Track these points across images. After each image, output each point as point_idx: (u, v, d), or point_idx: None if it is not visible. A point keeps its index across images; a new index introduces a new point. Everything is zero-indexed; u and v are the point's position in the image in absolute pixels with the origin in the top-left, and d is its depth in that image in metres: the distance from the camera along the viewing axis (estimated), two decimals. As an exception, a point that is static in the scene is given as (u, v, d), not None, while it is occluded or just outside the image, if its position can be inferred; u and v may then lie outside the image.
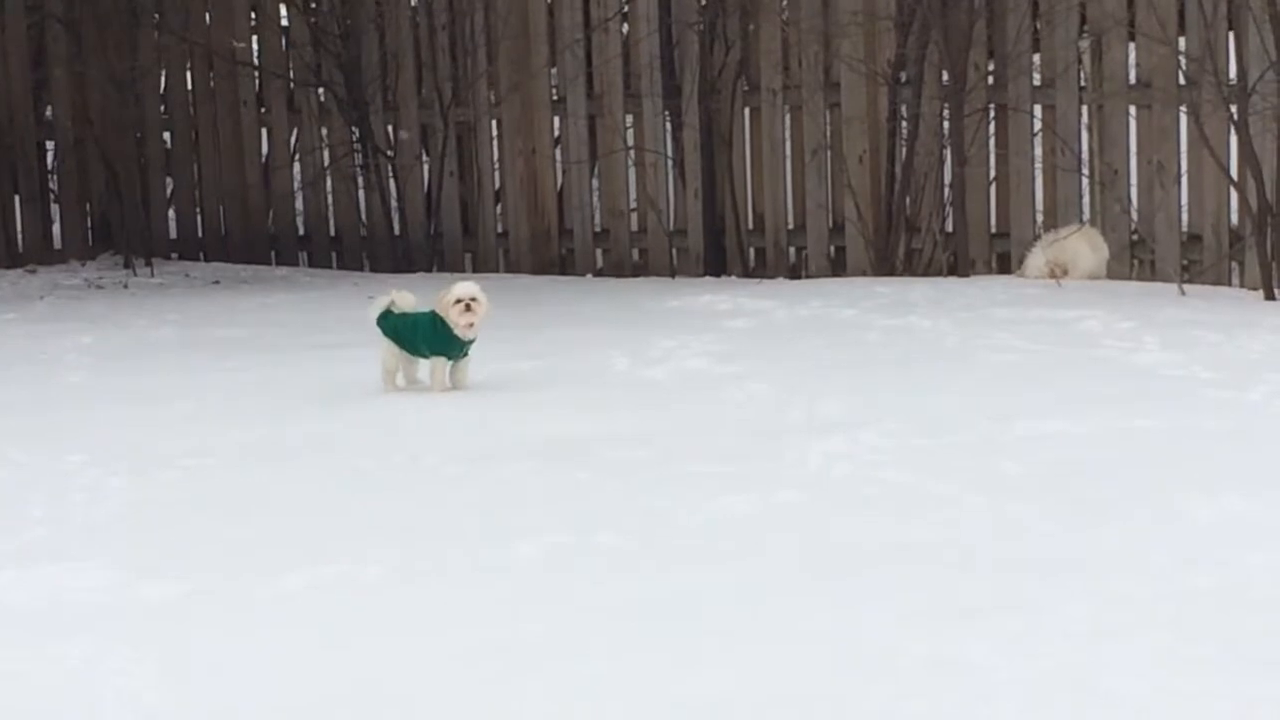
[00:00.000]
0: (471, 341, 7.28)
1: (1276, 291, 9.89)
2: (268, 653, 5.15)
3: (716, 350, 9.41)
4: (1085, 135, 11.01)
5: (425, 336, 7.23)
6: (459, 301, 6.86)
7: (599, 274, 12.32)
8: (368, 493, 7.05)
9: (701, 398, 8.53)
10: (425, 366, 7.56)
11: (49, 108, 13.57)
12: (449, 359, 7.30)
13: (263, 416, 8.15)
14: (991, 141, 11.38)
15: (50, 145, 13.61)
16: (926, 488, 6.73)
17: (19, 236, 13.33)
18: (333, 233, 13.14)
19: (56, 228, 13.60)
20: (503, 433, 8.04)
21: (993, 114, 11.25)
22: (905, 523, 6.28)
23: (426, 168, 12.89)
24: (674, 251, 12.16)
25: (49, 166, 13.75)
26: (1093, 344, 9.21)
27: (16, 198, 13.31)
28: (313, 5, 13.29)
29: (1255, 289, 10.06)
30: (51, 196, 13.71)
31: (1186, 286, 10.24)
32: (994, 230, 11.40)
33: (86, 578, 5.81)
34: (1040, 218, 11.09)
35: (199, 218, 13.56)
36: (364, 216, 13.06)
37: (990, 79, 11.34)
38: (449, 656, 5.14)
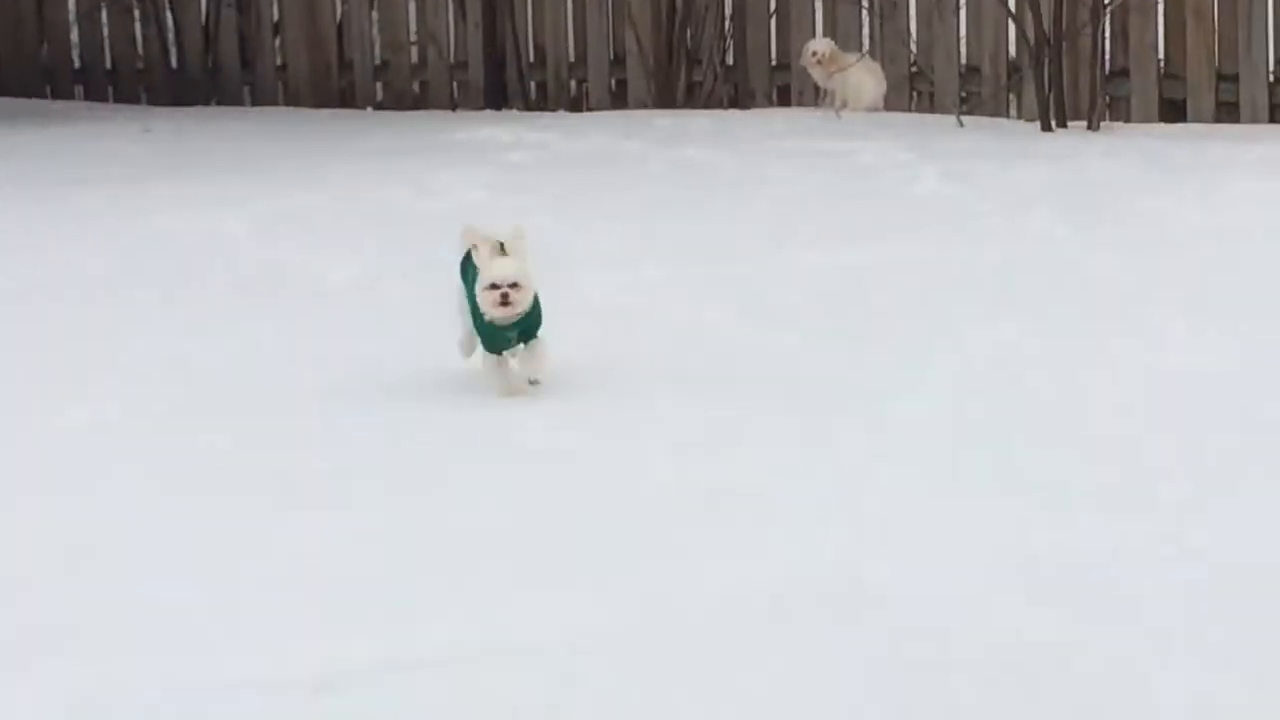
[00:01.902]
0: (528, 320, 5.23)
1: (1053, 123, 9.96)
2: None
3: (498, 183, 9.49)
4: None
5: (474, 313, 5.31)
6: (494, 288, 5.05)
7: (379, 107, 12.32)
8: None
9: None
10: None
11: None
12: (496, 351, 5.29)
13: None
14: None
15: None
16: (703, 317, 6.73)
17: None
18: (109, 65, 13.01)
19: None
20: (282, 265, 7.85)
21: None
22: (681, 352, 6.29)
23: (204, 8, 12.98)
24: (454, 85, 12.16)
25: None
26: (871, 176, 9.31)
27: None
28: None
29: (1032, 120, 10.15)
30: None
31: (965, 118, 10.38)
32: (774, 63, 11.38)
33: None
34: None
35: None
36: (140, 49, 12.91)
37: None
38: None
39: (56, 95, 13.06)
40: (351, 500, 5.05)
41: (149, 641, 4.01)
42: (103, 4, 12.99)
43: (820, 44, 10.78)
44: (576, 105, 11.93)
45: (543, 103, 12.01)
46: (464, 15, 12.06)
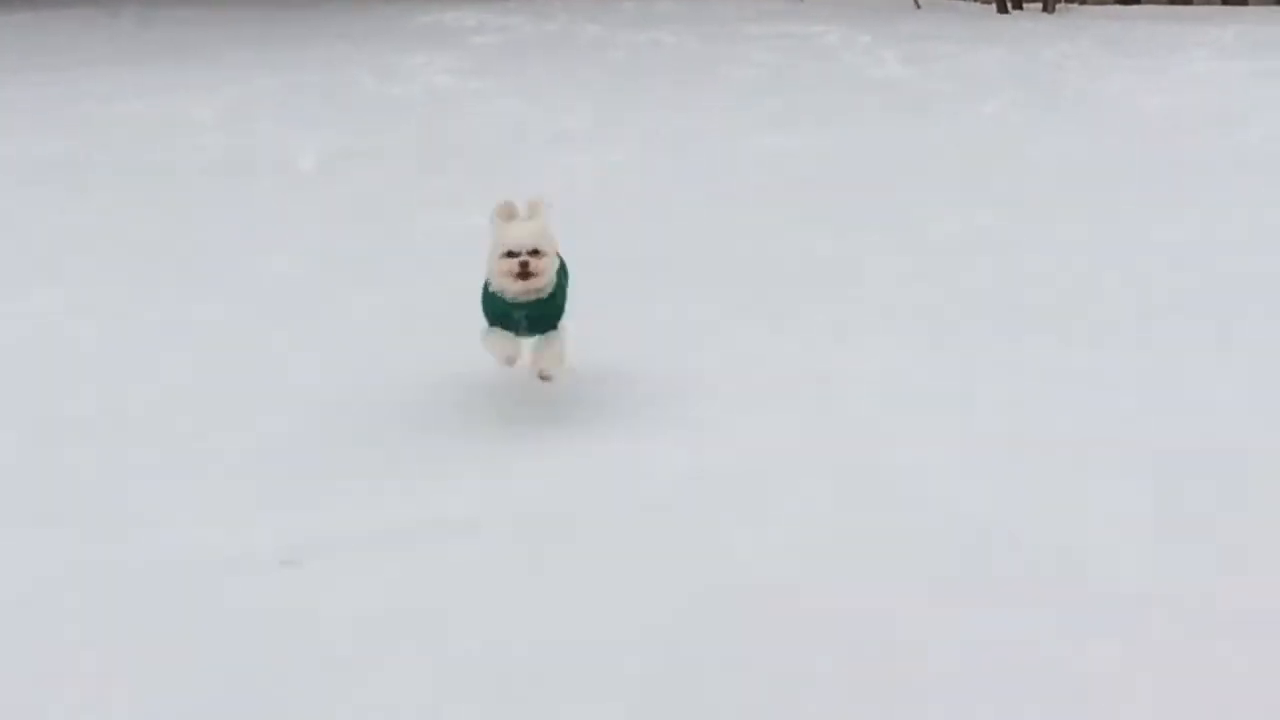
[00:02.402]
0: (545, 307, 4.35)
1: (1009, 5, 10.04)
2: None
3: (463, 67, 9.66)
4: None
5: (483, 290, 4.46)
6: (511, 255, 4.15)
7: None
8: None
9: (448, 112, 8.42)
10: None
11: None
12: (504, 328, 4.37)
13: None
14: None
15: None
16: (668, 198, 6.79)
17: None
18: None
19: None
20: (251, 149, 7.77)
21: None
22: (643, 235, 6.27)
23: None
24: None
25: None
26: (833, 58, 9.32)
27: None
28: None
29: (989, 3, 10.18)
30: None
31: (923, 1, 10.36)
32: None
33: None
34: None
35: None
36: None
37: None
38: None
39: None
40: (322, 393, 4.89)
41: (138, 517, 4.08)
42: None
43: None
44: None
45: None
46: None
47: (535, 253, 4.07)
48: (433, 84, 9.32)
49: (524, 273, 4.01)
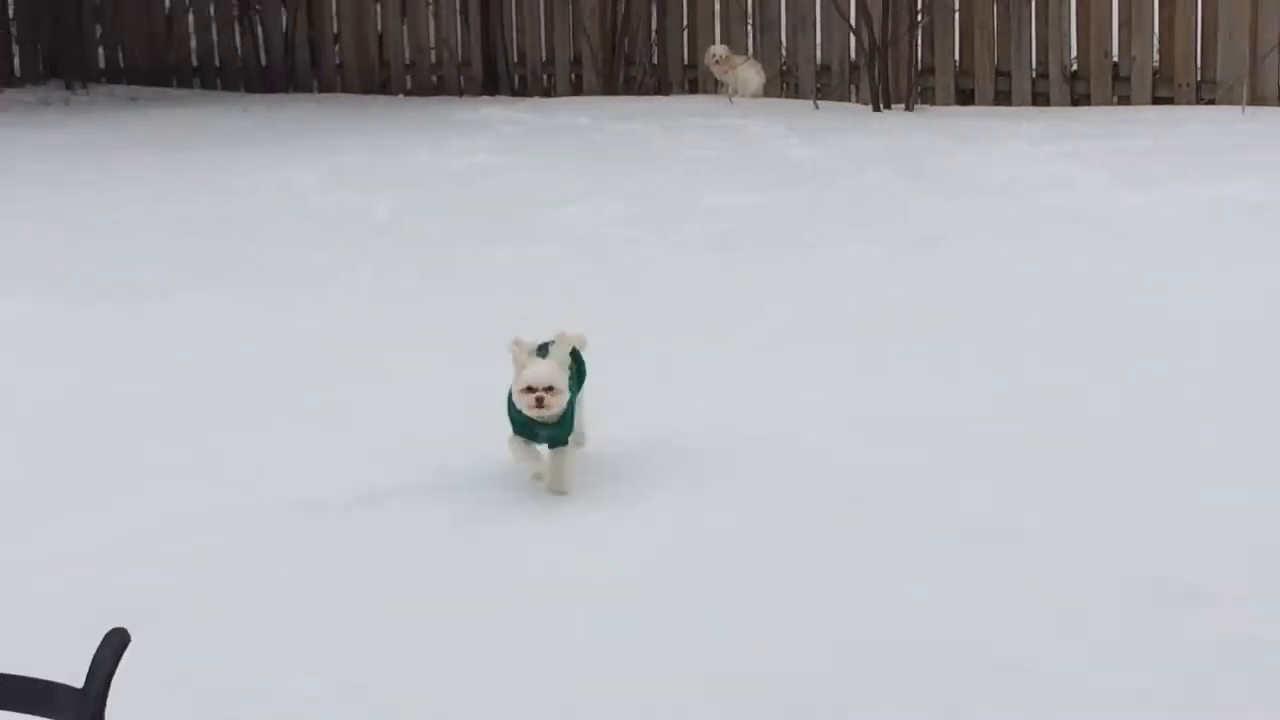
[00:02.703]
0: (559, 425, 4.45)
1: (882, 106, 10.69)
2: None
3: (495, 147, 10.10)
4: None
5: (508, 401, 4.51)
6: (529, 391, 4.30)
7: (408, 94, 12.79)
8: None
9: (485, 179, 9.21)
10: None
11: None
12: (527, 440, 4.49)
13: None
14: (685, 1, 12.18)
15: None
16: (638, 239, 7.73)
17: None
18: (217, 63, 13.73)
19: (16, 61, 14.25)
20: (339, 206, 8.68)
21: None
22: (621, 265, 7.25)
23: (284, 16, 13.33)
24: (461, 77, 12.70)
25: (9, 14, 14.17)
26: (756, 143, 9.99)
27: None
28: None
29: (867, 104, 10.85)
30: (11, 37, 14.21)
31: (820, 103, 11.01)
32: (686, 62, 11.98)
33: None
34: (718, 52, 11.37)
35: (120, 52, 14.14)
36: (239, 52, 13.62)
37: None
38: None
39: (180, 85, 13.80)
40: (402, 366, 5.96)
41: (230, 473, 5.03)
42: (212, 20, 13.74)
43: (718, 49, 11.35)
44: (547, 92, 12.49)
45: (523, 90, 12.54)
46: (468, 27, 12.66)
47: (550, 389, 4.23)
48: (474, 159, 9.74)
49: (539, 405, 4.25)
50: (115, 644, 1.81)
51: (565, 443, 4.41)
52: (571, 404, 4.37)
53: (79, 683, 1.82)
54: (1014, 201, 8.35)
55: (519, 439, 4.40)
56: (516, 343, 4.39)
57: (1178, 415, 5.33)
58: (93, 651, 1.80)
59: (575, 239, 7.83)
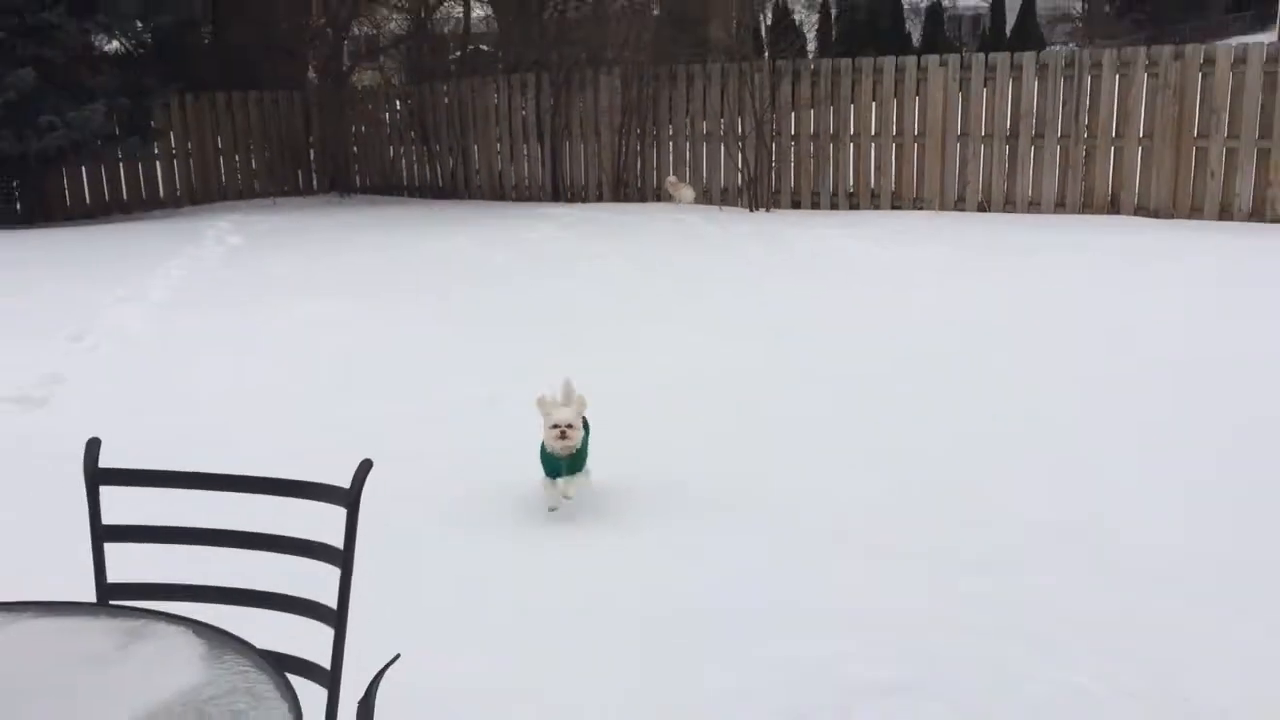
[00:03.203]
0: (575, 459, 4.42)
1: (756, 208, 12.12)
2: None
3: (552, 231, 11.39)
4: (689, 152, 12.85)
5: (540, 454, 4.46)
6: (555, 427, 4.34)
7: (513, 200, 14.17)
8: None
9: (551, 247, 10.52)
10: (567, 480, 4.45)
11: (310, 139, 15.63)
12: (553, 478, 4.42)
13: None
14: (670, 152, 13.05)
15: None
16: (633, 275, 8.93)
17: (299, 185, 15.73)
18: (417, 183, 15.40)
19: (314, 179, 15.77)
20: (477, 258, 9.85)
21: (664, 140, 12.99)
22: (623, 289, 8.45)
23: (451, 160, 14.93)
24: (540, 192, 14.17)
25: (310, 156, 15.95)
26: (690, 227, 11.38)
27: (300, 172, 15.82)
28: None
29: (746, 208, 12.33)
30: (311, 166, 15.99)
31: (722, 207, 12.45)
32: (655, 184, 13.31)
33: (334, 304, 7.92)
34: (671, 178, 12.88)
35: (367, 177, 15.88)
36: (426, 174, 15.34)
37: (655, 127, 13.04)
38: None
39: (396, 195, 15.46)
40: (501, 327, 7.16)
41: (342, 396, 5.85)
42: (415, 160, 15.49)
43: (671, 177, 12.92)
44: (584, 200, 13.70)
45: (571, 199, 13.86)
46: (543, 168, 14.08)
47: (570, 425, 4.31)
48: (546, 234, 11.13)
49: (563, 435, 4.29)
50: (366, 468, 2.05)
51: (580, 469, 4.39)
52: (585, 442, 4.38)
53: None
54: (816, 255, 9.61)
55: (549, 480, 4.38)
56: (541, 400, 4.39)
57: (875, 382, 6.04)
58: (353, 470, 2.04)
59: (598, 275, 9.09)
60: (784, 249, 9.89)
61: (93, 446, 2.20)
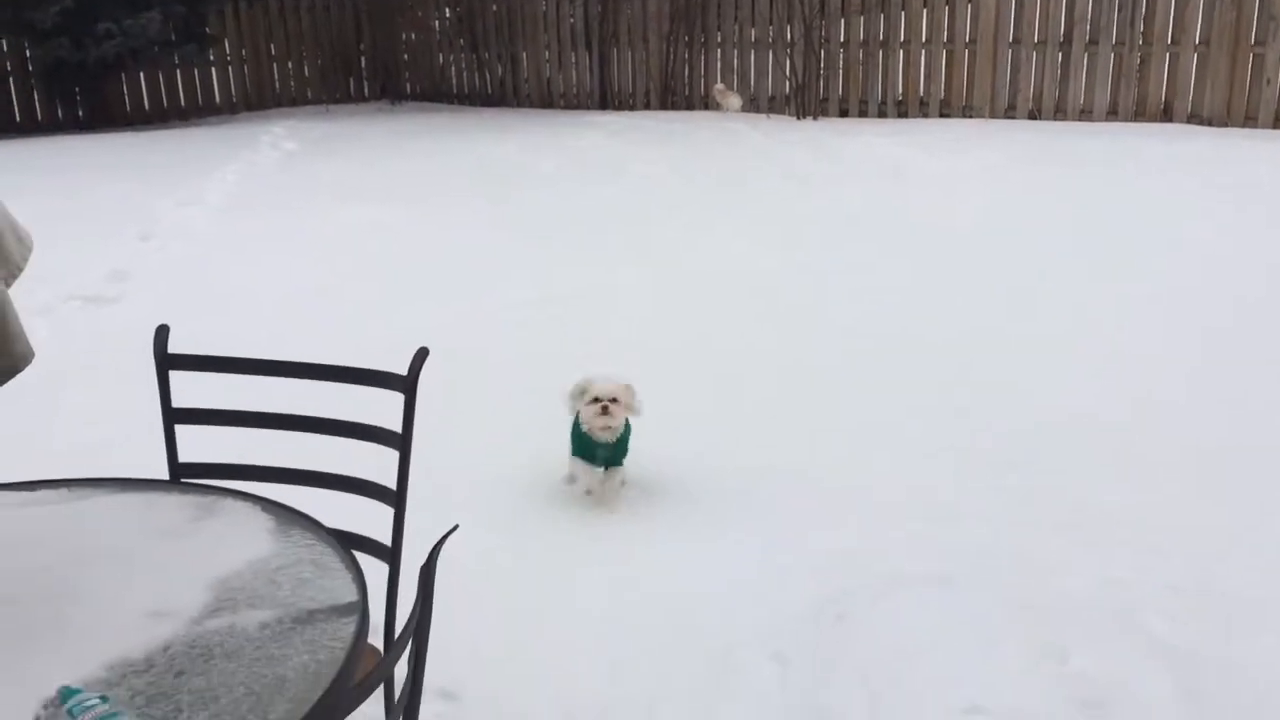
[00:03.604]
0: (617, 446, 3.63)
1: (803, 116, 11.90)
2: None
3: (605, 137, 11.34)
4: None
5: (571, 430, 3.68)
6: (595, 401, 3.52)
7: (562, 109, 14.02)
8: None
9: (598, 154, 10.38)
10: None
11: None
12: (587, 462, 3.65)
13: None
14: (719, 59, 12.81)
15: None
16: (674, 180, 8.95)
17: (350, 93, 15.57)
18: (466, 91, 15.17)
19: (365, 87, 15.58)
20: (523, 164, 9.77)
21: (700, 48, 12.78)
22: (664, 189, 8.55)
23: (500, 68, 14.75)
24: (588, 100, 14.05)
25: (362, 64, 15.85)
26: (736, 135, 11.11)
27: (351, 79, 15.60)
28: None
29: (794, 116, 12.05)
30: (364, 75, 15.87)
31: (769, 115, 12.25)
32: (702, 92, 13.05)
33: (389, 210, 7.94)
34: (719, 86, 12.62)
35: (417, 85, 15.60)
36: (476, 83, 15.07)
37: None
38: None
39: (446, 103, 15.21)
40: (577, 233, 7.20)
41: (471, 278, 6.10)
42: (464, 68, 15.20)
43: (719, 85, 12.73)
44: (632, 109, 13.60)
45: (619, 107, 13.76)
46: (592, 75, 13.95)
47: (614, 400, 3.50)
48: (593, 141, 11.00)
49: (605, 411, 3.47)
50: (422, 355, 2.10)
51: (620, 464, 3.59)
52: (627, 430, 3.60)
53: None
54: (864, 162, 9.49)
55: (578, 459, 3.61)
56: (576, 386, 3.59)
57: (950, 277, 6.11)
58: (410, 359, 2.08)
59: (638, 178, 9.16)
60: (831, 156, 9.78)
61: (162, 333, 2.26)
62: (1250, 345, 4.94)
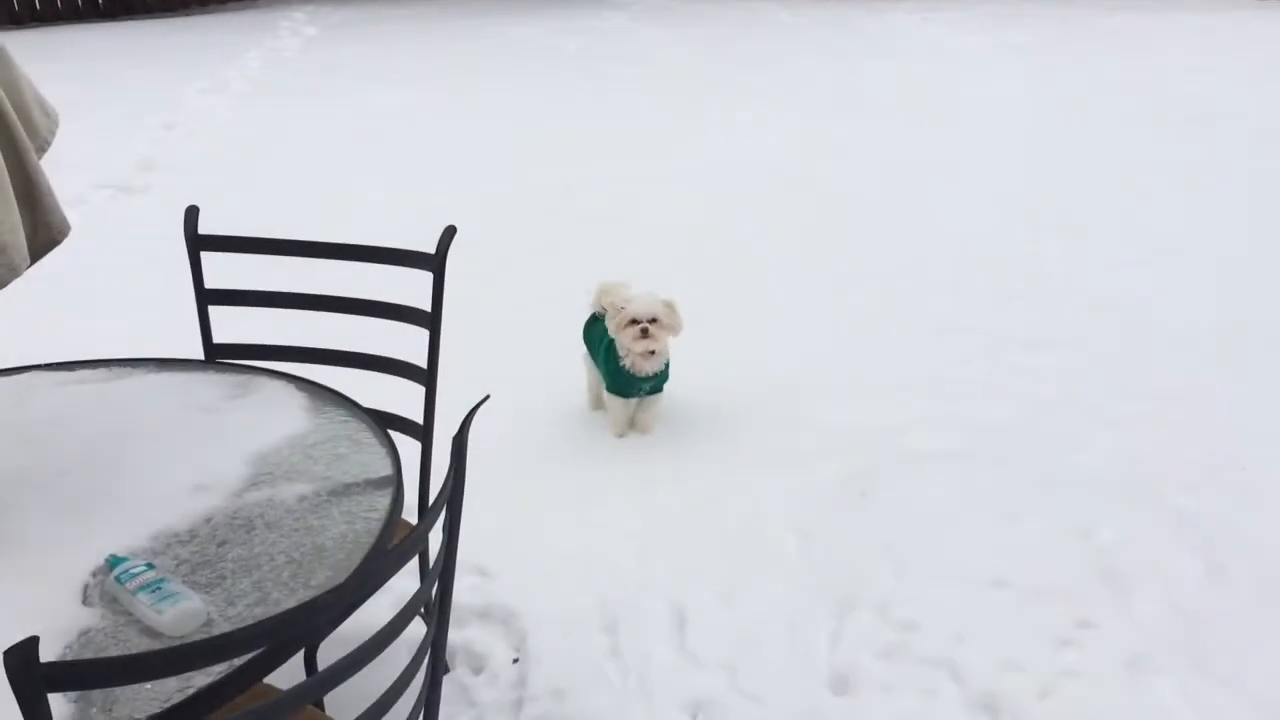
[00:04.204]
0: (658, 377, 3.16)
1: None
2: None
3: (629, 20, 11.33)
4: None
5: (604, 363, 3.17)
6: (634, 323, 3.02)
7: None
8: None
9: (622, 36, 10.43)
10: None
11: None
12: (625, 398, 3.19)
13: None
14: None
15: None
16: (708, 66, 8.74)
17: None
18: None
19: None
20: (550, 45, 9.71)
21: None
22: (689, 74, 8.42)
23: None
24: None
25: None
26: (768, 16, 10.84)
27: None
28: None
29: None
30: None
31: None
32: None
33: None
34: None
35: None
36: None
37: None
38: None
39: None
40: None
41: (515, 167, 6.11)
42: None
43: None
44: None
45: None
46: None
47: (654, 320, 3.03)
48: (614, 25, 11.10)
49: (645, 334, 3.01)
50: (450, 233, 2.09)
51: (661, 389, 3.16)
52: (668, 364, 3.14)
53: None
54: (894, 40, 9.51)
55: (619, 399, 3.14)
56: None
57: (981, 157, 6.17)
58: (439, 237, 2.04)
59: (664, 60, 9.13)
60: (862, 35, 9.99)
61: (192, 214, 2.27)
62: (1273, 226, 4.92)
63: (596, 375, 3.26)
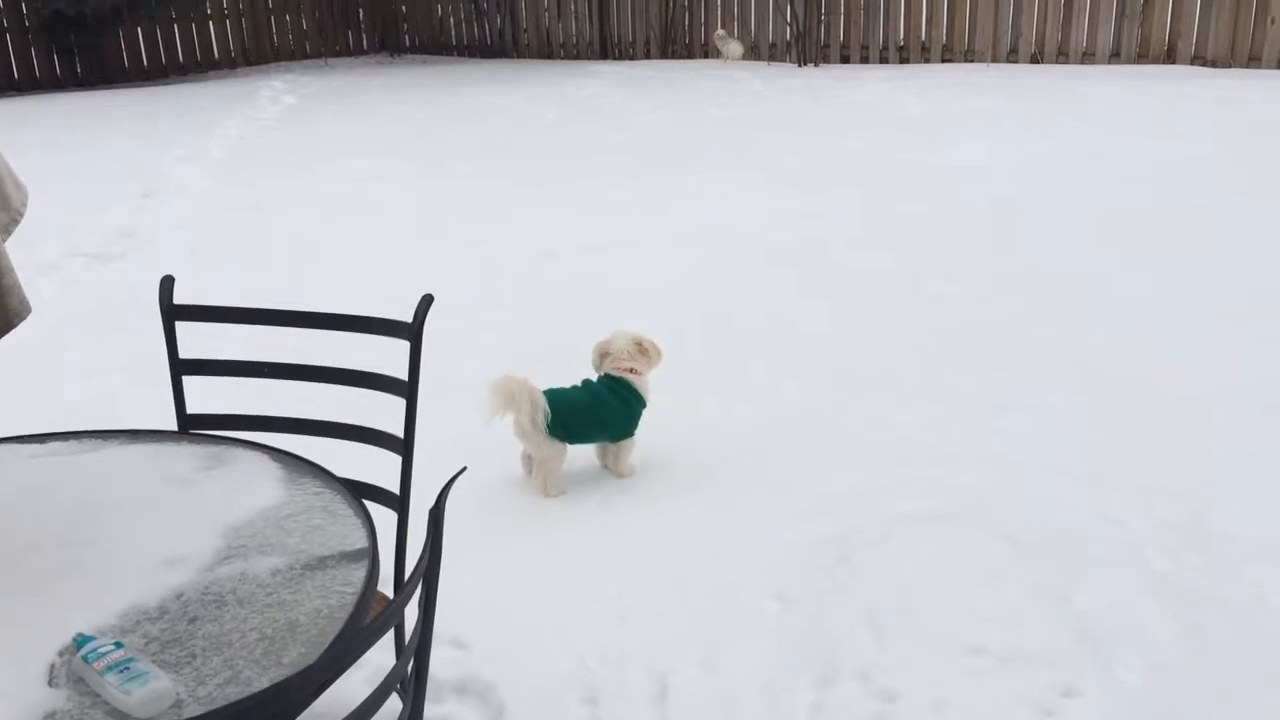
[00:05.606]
0: (630, 415, 3.37)
1: (803, 64, 12.19)
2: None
3: (605, 86, 11.73)
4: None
5: (635, 417, 3.36)
6: (608, 357, 3.28)
7: (562, 59, 14.33)
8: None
9: (599, 103, 10.64)
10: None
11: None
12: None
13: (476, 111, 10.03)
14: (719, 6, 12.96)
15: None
16: (671, 128, 9.04)
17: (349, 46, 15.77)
18: (466, 42, 15.40)
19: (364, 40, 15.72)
20: (523, 113, 9.88)
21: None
22: (662, 138, 8.54)
23: (499, 19, 14.84)
24: (589, 50, 14.34)
25: (360, 17, 15.99)
26: (736, 82, 11.48)
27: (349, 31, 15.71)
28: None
29: (794, 63, 12.35)
30: (361, 26, 15.99)
31: (770, 63, 12.63)
32: (703, 40, 13.42)
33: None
34: (720, 33, 12.85)
35: (415, 37, 15.90)
36: (476, 34, 15.31)
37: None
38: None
39: (446, 55, 15.55)
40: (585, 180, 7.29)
41: (514, 230, 6.16)
42: (464, 19, 15.46)
43: (720, 31, 12.91)
44: (632, 58, 13.88)
45: (619, 57, 14.02)
46: (591, 24, 14.14)
47: (634, 363, 3.32)
48: (595, 91, 11.37)
49: (632, 371, 3.26)
50: (427, 302, 2.07)
51: (630, 435, 3.36)
52: (637, 397, 3.34)
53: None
54: (863, 108, 9.70)
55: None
56: (600, 349, 3.34)
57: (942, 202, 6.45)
58: (415, 306, 2.06)
59: (640, 127, 9.27)
60: (832, 104, 9.87)
61: (167, 283, 2.25)
62: (1240, 288, 4.99)
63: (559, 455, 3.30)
